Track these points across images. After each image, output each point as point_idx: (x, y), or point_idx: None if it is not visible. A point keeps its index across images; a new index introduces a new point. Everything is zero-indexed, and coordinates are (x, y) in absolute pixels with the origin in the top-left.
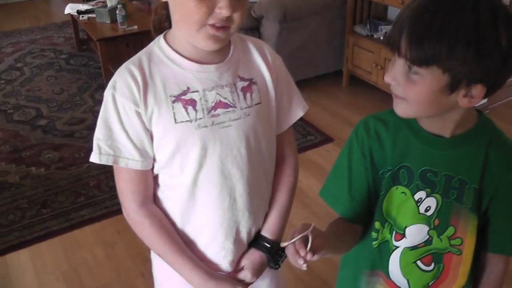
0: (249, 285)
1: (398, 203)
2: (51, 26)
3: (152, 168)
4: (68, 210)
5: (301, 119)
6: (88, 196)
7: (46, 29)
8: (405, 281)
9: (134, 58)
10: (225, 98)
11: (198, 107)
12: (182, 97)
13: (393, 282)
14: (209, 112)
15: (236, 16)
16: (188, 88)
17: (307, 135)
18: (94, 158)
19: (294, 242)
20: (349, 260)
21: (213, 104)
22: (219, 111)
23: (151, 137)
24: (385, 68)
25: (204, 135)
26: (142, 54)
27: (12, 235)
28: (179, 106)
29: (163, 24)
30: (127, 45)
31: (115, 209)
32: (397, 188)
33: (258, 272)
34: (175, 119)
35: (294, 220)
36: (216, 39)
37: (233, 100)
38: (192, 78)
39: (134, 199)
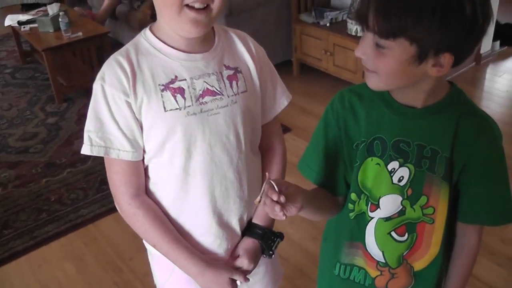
0: (246, 273)
1: (373, 174)
2: None
3: (143, 160)
4: (32, 227)
5: None
6: (51, 211)
7: None
8: (380, 253)
9: (122, 50)
10: (212, 86)
11: (186, 95)
12: (171, 85)
13: (370, 254)
14: (197, 99)
15: None
16: (176, 76)
17: None
18: (85, 150)
19: (264, 193)
20: (330, 232)
21: (200, 92)
22: (206, 98)
23: (141, 127)
24: (334, 55)
25: (193, 123)
26: (129, 45)
27: None
28: (168, 94)
29: (148, 22)
30: (74, 53)
31: (80, 222)
32: (372, 159)
33: (254, 259)
34: (164, 108)
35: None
36: (198, 23)
37: (220, 88)
38: (179, 67)
39: (126, 190)
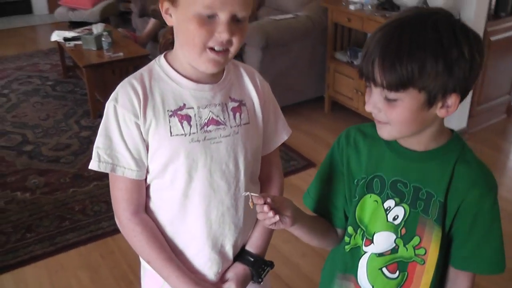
0: None
1: (370, 211)
2: (38, 53)
3: (145, 179)
4: (53, 234)
5: (284, 144)
6: (73, 220)
7: (33, 56)
8: (371, 287)
9: (136, 73)
10: (217, 116)
11: (192, 122)
12: (179, 112)
13: (360, 286)
14: (202, 128)
15: (235, 40)
16: (184, 104)
17: (290, 160)
18: (93, 165)
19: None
20: (328, 262)
21: (206, 121)
22: (211, 127)
23: (147, 148)
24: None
25: (196, 149)
26: (143, 70)
27: None
28: (175, 120)
29: (169, 48)
30: (113, 72)
31: (100, 233)
32: (370, 196)
33: (242, 284)
34: (170, 132)
35: (276, 241)
36: (216, 62)
37: (224, 118)
38: (188, 95)
39: (127, 207)
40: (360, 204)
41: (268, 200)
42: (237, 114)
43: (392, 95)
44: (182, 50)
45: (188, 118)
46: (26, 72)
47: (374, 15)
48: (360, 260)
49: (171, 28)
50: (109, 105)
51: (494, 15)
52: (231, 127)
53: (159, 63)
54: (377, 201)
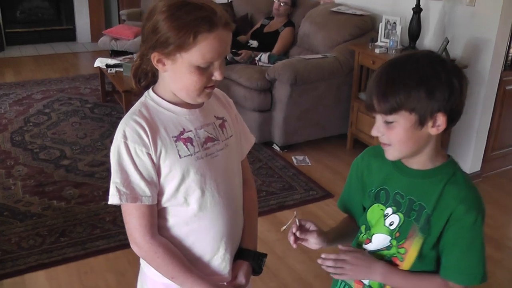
0: None
1: (377, 216)
2: (79, 77)
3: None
4: (85, 240)
5: (305, 175)
6: (104, 229)
7: (74, 80)
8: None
9: (134, 111)
10: (211, 134)
11: (194, 143)
12: (181, 136)
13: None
14: (202, 146)
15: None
16: (184, 129)
17: (310, 190)
18: (114, 200)
19: (289, 225)
20: None
21: (204, 139)
22: (209, 144)
23: (159, 174)
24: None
25: (202, 165)
26: (139, 107)
27: (31, 258)
28: (180, 144)
29: (150, 85)
30: None
31: (128, 242)
32: (378, 205)
33: (248, 277)
34: (179, 155)
35: (291, 262)
36: (210, 94)
37: (216, 134)
38: (185, 121)
39: (147, 231)
40: (370, 209)
41: (298, 233)
42: (224, 129)
43: (389, 118)
44: (179, 92)
45: (190, 140)
46: (67, 94)
47: None
48: None
49: (151, 69)
50: (119, 144)
51: (511, 66)
52: (222, 141)
53: (150, 98)
54: (382, 209)
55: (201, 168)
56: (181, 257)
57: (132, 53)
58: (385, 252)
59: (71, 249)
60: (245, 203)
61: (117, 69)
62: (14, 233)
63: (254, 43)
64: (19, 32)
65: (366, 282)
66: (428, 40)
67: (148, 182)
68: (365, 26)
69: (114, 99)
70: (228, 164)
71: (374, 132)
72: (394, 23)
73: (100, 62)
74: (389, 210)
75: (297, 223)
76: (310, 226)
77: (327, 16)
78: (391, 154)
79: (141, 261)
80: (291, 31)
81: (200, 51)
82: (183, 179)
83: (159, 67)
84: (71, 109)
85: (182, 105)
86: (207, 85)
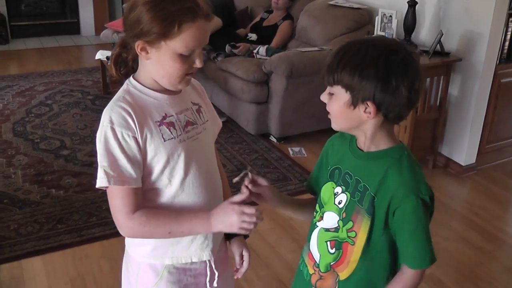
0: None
1: (329, 194)
2: (81, 70)
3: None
4: (81, 227)
5: (300, 167)
6: (100, 217)
7: (77, 72)
8: (318, 255)
9: (118, 97)
10: (190, 118)
11: (176, 127)
12: (164, 121)
13: (312, 254)
14: (184, 129)
15: None
16: (166, 114)
17: (304, 181)
18: (102, 182)
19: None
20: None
21: (184, 124)
22: (189, 128)
23: (145, 157)
24: None
25: (185, 147)
26: (122, 94)
27: (29, 244)
28: (164, 128)
29: (129, 73)
30: None
31: None
32: (331, 183)
33: (247, 247)
34: (163, 138)
35: (284, 252)
36: (189, 81)
37: (194, 119)
38: (166, 106)
39: (130, 210)
40: (324, 187)
41: (250, 186)
42: (200, 114)
43: (331, 89)
44: (161, 79)
45: (172, 124)
46: (69, 86)
47: None
48: (313, 232)
49: (133, 57)
50: (105, 129)
51: (506, 59)
52: (200, 125)
53: (132, 85)
54: (333, 187)
55: (185, 150)
56: (164, 212)
57: None
58: (336, 234)
59: (68, 236)
60: (223, 182)
61: None
62: (13, 220)
63: (253, 36)
64: (24, 25)
65: (316, 259)
66: (424, 34)
67: (135, 165)
68: (362, 19)
69: (115, 91)
70: (206, 146)
71: (322, 97)
72: (390, 16)
73: (101, 55)
74: (338, 189)
75: (250, 177)
76: (262, 181)
77: (325, 10)
78: (332, 124)
79: (126, 243)
80: (289, 24)
81: (184, 40)
82: (168, 161)
83: (142, 55)
84: (73, 100)
85: (162, 92)
86: (188, 72)
